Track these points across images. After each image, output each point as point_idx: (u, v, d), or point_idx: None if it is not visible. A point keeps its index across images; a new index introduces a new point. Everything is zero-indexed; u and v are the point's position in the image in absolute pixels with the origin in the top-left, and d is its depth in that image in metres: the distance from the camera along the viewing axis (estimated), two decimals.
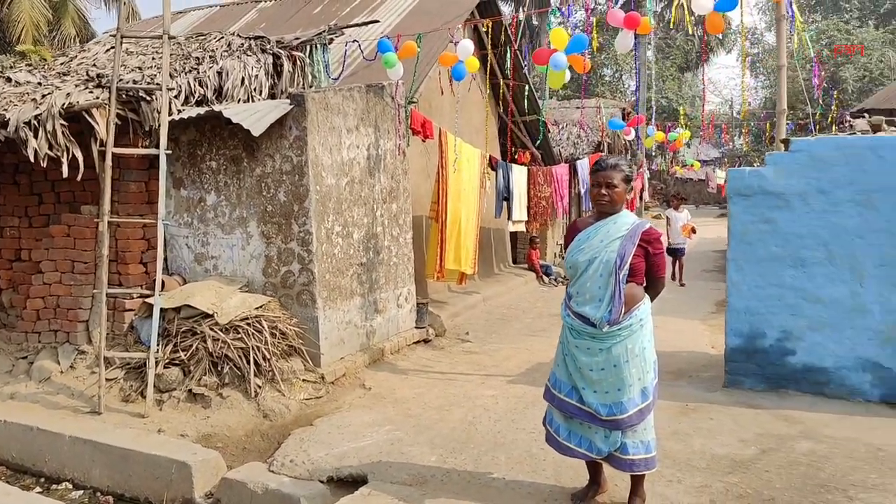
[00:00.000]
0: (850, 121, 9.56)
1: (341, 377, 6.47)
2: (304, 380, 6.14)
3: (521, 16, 8.63)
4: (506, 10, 40.63)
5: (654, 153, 33.37)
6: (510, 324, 9.48)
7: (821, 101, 13.08)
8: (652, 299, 3.82)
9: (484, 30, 8.26)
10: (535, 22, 33.92)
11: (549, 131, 15.51)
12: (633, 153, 29.00)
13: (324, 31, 8.50)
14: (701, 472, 4.39)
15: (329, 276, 6.56)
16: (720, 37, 42.81)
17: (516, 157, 14.81)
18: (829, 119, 13.88)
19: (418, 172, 9.95)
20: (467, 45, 8.07)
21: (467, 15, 10.57)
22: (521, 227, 12.55)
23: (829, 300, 5.64)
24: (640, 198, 23.95)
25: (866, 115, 9.81)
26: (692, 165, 29.94)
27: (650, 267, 3.74)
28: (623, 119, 18.21)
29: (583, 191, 14.53)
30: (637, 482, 3.89)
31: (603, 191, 3.75)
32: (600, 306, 3.66)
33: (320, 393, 6.09)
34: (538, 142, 13.17)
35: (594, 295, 3.69)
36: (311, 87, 8.23)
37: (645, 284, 3.78)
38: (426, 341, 8.12)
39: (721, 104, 48.41)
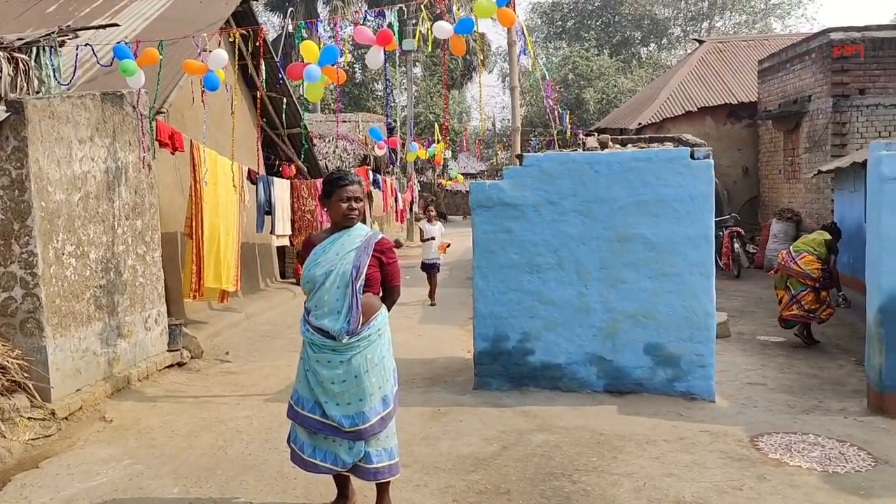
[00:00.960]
0: (583, 139, 10.63)
1: (77, 411, 5.89)
2: (30, 418, 5.50)
3: (290, 27, 8.52)
4: (275, 20, 39.94)
5: (420, 165, 34.58)
6: (274, 340, 9.26)
7: (564, 120, 14.38)
8: (388, 308, 3.94)
9: (231, 40, 8.01)
10: (304, 35, 33.67)
11: (313, 144, 15.45)
12: (403, 166, 29.87)
13: (53, 33, 7.75)
14: (447, 473, 4.58)
15: (60, 301, 5.96)
16: (482, 57, 45.58)
17: (280, 170, 14.58)
18: (568, 136, 15.31)
19: (171, 187, 9.41)
20: (220, 55, 7.79)
21: (221, 24, 10.22)
22: (286, 242, 12.33)
23: (560, 302, 6.18)
24: (410, 209, 24.71)
25: (595, 133, 10.94)
26: (457, 178, 31.45)
27: (385, 276, 3.85)
28: (390, 133, 18.69)
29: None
30: (382, 490, 3.95)
31: (353, 205, 3.80)
32: (339, 318, 3.69)
33: (50, 431, 5.49)
34: (302, 154, 13.05)
35: (332, 307, 3.71)
36: (38, 93, 7.45)
37: (381, 294, 3.88)
38: (181, 364, 7.67)
39: (484, 120, 51.46)
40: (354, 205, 3.79)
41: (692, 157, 5.92)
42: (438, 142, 19.15)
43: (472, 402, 6.08)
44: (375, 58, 6.68)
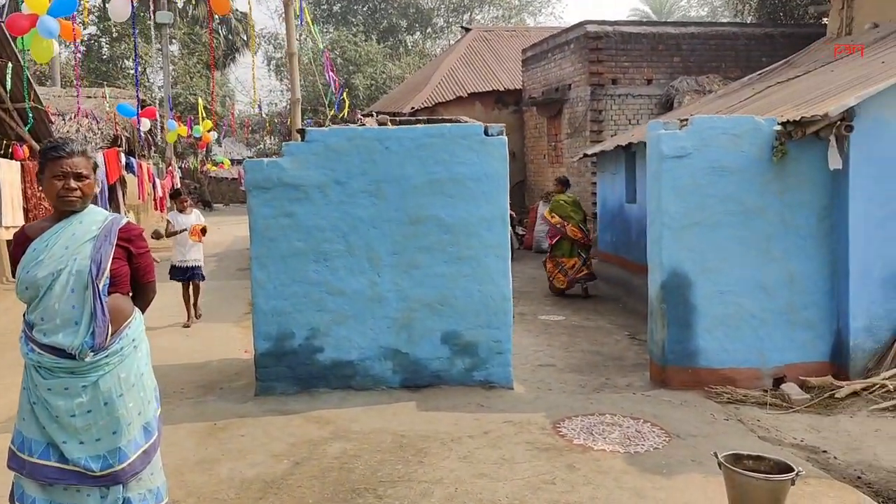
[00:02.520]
0: (361, 119, 10.13)
1: None
2: None
3: None
4: None
5: (181, 149, 32.09)
6: (1, 356, 7.67)
7: (341, 95, 13.71)
8: (143, 310, 3.09)
9: None
10: None
11: (51, 122, 13.35)
12: (161, 150, 27.39)
13: None
14: None
15: None
16: (245, 38, 43.49)
17: (11, 151, 12.47)
18: (342, 117, 14.75)
19: None
20: None
21: None
22: None
23: (350, 292, 5.62)
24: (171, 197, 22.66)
25: (373, 114, 10.51)
26: (223, 163, 29.56)
27: (136, 271, 3.00)
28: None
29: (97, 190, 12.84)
30: None
31: (71, 183, 2.85)
32: (78, 331, 2.81)
33: None
34: (28, 128, 11.13)
35: (67, 318, 2.81)
36: None
37: (131, 294, 3.03)
38: None
39: (249, 104, 49.26)
40: (74, 183, 2.83)
41: (486, 133, 5.64)
42: (204, 120, 17.51)
43: (254, 412, 5.32)
44: (120, 8, 5.60)
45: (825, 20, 15.33)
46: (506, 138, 5.69)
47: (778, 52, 14.50)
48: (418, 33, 46.36)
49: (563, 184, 10.99)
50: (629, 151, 10.72)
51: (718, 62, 14.88)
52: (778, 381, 5.88)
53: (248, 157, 43.24)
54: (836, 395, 5.56)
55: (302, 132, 5.49)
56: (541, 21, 45.86)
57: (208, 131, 18.11)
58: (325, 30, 43.68)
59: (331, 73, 6.89)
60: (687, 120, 5.77)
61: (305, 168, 5.52)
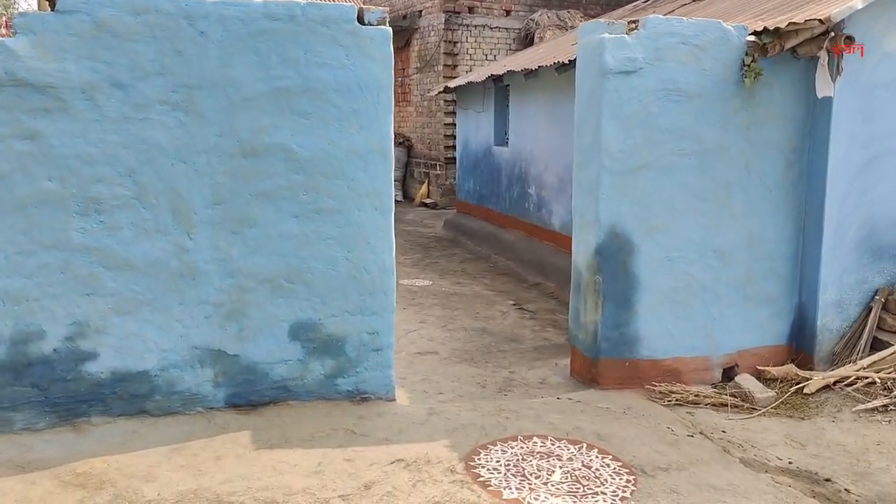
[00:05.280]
0: None
1: None
2: None
3: None
4: None
5: None
6: None
7: None
8: None
9: None
10: None
11: None
12: None
13: None
14: None
15: None
16: None
17: None
18: None
19: None
20: None
21: None
22: None
23: (144, 264, 3.53)
24: None
25: None
26: None
27: None
28: None
29: None
30: None
31: None
32: None
33: None
34: None
35: None
36: None
37: None
38: None
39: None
40: None
41: (361, 20, 3.71)
42: None
43: None
44: None
45: None
46: (390, 30, 3.81)
47: None
48: None
49: None
50: (500, 85, 9.15)
51: None
52: (728, 371, 4.61)
53: None
54: (805, 391, 4.37)
55: None
56: None
57: None
58: None
59: None
60: (636, 22, 4.17)
61: (60, 58, 3.29)
